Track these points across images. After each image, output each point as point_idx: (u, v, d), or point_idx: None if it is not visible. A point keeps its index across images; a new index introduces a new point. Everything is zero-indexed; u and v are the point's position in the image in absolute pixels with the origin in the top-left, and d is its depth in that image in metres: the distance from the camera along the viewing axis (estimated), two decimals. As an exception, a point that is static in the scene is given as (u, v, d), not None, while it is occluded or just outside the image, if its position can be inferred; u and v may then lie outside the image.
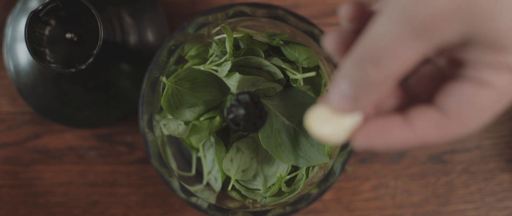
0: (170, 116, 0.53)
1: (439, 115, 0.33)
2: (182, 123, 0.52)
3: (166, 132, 0.52)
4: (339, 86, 0.33)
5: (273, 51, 0.54)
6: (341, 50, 0.35)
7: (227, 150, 0.54)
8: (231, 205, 0.54)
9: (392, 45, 0.30)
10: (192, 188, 0.52)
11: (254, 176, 0.55)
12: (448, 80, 0.33)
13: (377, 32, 0.31)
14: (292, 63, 0.53)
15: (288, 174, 0.54)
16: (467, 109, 0.32)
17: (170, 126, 0.52)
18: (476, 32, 0.30)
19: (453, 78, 0.33)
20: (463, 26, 0.30)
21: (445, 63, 0.35)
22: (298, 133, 0.52)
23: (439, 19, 0.30)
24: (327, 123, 0.34)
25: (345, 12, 0.35)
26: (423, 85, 0.36)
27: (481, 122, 0.33)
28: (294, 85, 0.52)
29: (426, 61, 0.36)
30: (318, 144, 0.52)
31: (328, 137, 0.34)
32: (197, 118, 0.54)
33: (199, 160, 0.60)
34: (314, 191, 0.50)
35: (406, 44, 0.30)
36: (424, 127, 0.33)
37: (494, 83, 0.32)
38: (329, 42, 0.35)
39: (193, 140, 0.54)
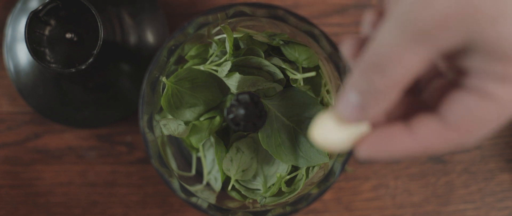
0: (170, 116, 0.53)
1: (441, 125, 0.32)
2: (182, 123, 0.52)
3: (166, 132, 0.52)
4: (346, 95, 0.33)
5: (273, 51, 0.54)
6: (358, 57, 0.35)
7: (227, 150, 0.54)
8: (231, 205, 0.54)
9: (395, 52, 0.30)
10: (192, 188, 0.52)
11: (254, 176, 0.55)
12: (451, 89, 0.33)
13: (380, 40, 0.31)
14: (292, 63, 0.53)
15: (288, 174, 0.54)
16: (469, 121, 0.32)
17: (170, 126, 0.52)
18: (478, 39, 0.30)
19: (457, 88, 0.33)
20: (464, 32, 0.30)
21: (451, 73, 0.35)
22: (298, 133, 0.52)
23: (439, 24, 0.29)
24: (333, 132, 0.34)
25: (370, 18, 0.35)
26: (432, 94, 0.36)
27: (483, 134, 0.32)
28: (294, 85, 0.52)
29: (438, 74, 0.35)
30: (318, 144, 0.52)
31: (332, 146, 0.34)
32: (197, 118, 0.54)
33: (199, 160, 0.60)
34: (314, 191, 0.50)
35: (408, 51, 0.30)
36: (426, 136, 0.33)
37: (498, 96, 0.31)
38: (346, 48, 0.35)
39: (193, 140, 0.54)
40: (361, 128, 0.34)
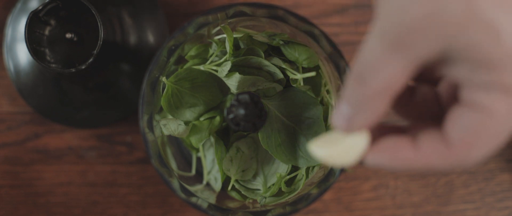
0: (170, 116, 0.53)
1: (442, 143, 0.32)
2: (182, 123, 0.52)
3: (166, 132, 0.52)
4: (339, 105, 0.33)
5: (273, 51, 0.54)
6: None
7: (227, 150, 0.54)
8: (231, 205, 0.54)
9: (374, 61, 0.30)
10: (192, 188, 0.52)
11: (254, 176, 0.55)
12: (452, 103, 0.32)
13: (364, 49, 0.31)
14: (292, 63, 0.53)
15: (288, 174, 0.54)
16: (469, 138, 0.31)
17: (170, 126, 0.52)
18: (454, 47, 0.29)
19: (455, 102, 0.32)
20: (438, 39, 0.29)
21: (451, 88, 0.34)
22: (298, 133, 0.52)
23: (412, 31, 0.29)
24: (332, 146, 0.34)
25: None
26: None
27: (487, 151, 0.31)
28: (294, 85, 0.52)
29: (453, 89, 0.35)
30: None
31: (334, 160, 0.34)
32: (197, 118, 0.54)
33: (199, 160, 0.60)
34: (314, 191, 0.50)
35: (387, 60, 0.30)
36: (428, 153, 0.32)
37: (490, 108, 0.30)
38: None
39: (193, 140, 0.54)
40: (360, 143, 0.34)
